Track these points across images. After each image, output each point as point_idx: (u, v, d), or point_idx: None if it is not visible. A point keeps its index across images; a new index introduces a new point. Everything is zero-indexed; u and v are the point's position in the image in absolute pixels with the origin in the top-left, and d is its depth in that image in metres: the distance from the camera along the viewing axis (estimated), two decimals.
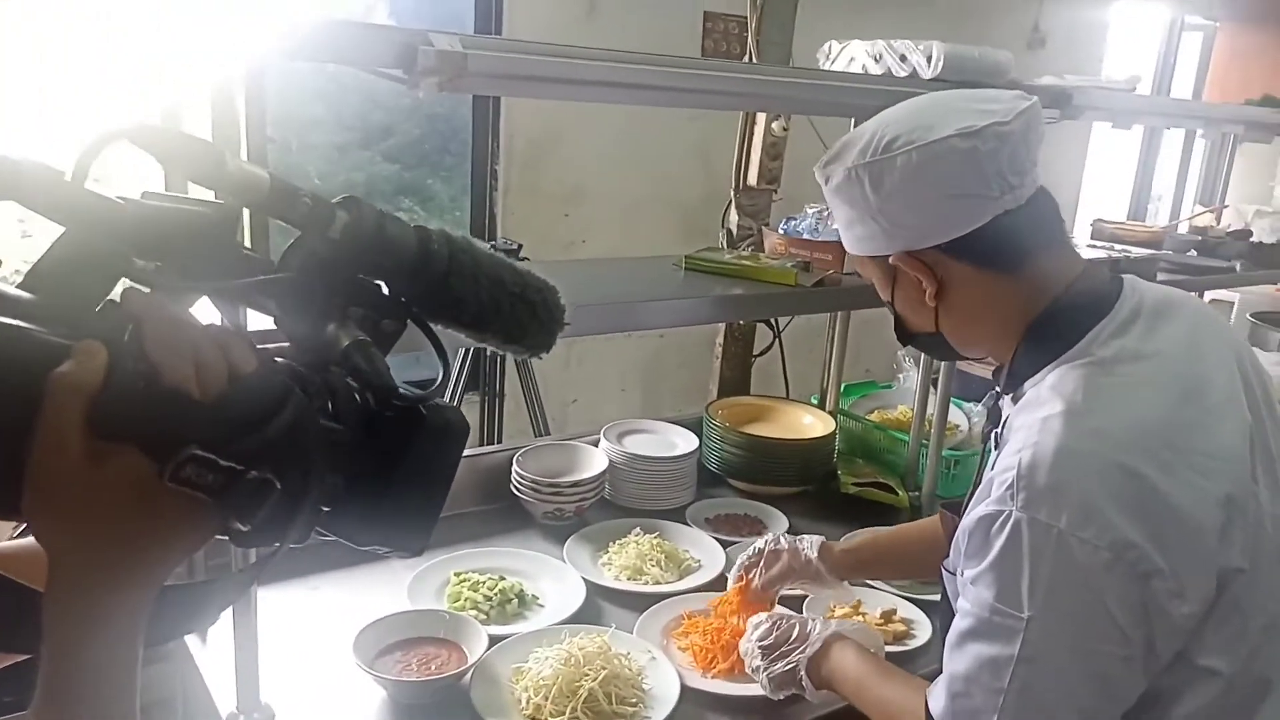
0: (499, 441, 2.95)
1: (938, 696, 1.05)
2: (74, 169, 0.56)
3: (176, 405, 0.53)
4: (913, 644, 1.60)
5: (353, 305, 0.63)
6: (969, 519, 1.01)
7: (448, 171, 3.45)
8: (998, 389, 1.18)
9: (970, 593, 1.01)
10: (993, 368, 1.22)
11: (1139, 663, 0.96)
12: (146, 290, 0.57)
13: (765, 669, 1.35)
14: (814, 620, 1.39)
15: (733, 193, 2.25)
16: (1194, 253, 2.95)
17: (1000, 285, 1.10)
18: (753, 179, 2.20)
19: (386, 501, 0.62)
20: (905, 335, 1.25)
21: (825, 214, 1.95)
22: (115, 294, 0.58)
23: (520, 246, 2.69)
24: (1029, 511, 0.95)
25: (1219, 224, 3.12)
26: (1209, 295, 3.30)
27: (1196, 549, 0.95)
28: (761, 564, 1.56)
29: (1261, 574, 0.99)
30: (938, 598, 1.34)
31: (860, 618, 1.63)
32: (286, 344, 0.63)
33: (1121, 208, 4.38)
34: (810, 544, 1.55)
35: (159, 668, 2.55)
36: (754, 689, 1.44)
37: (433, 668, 1.39)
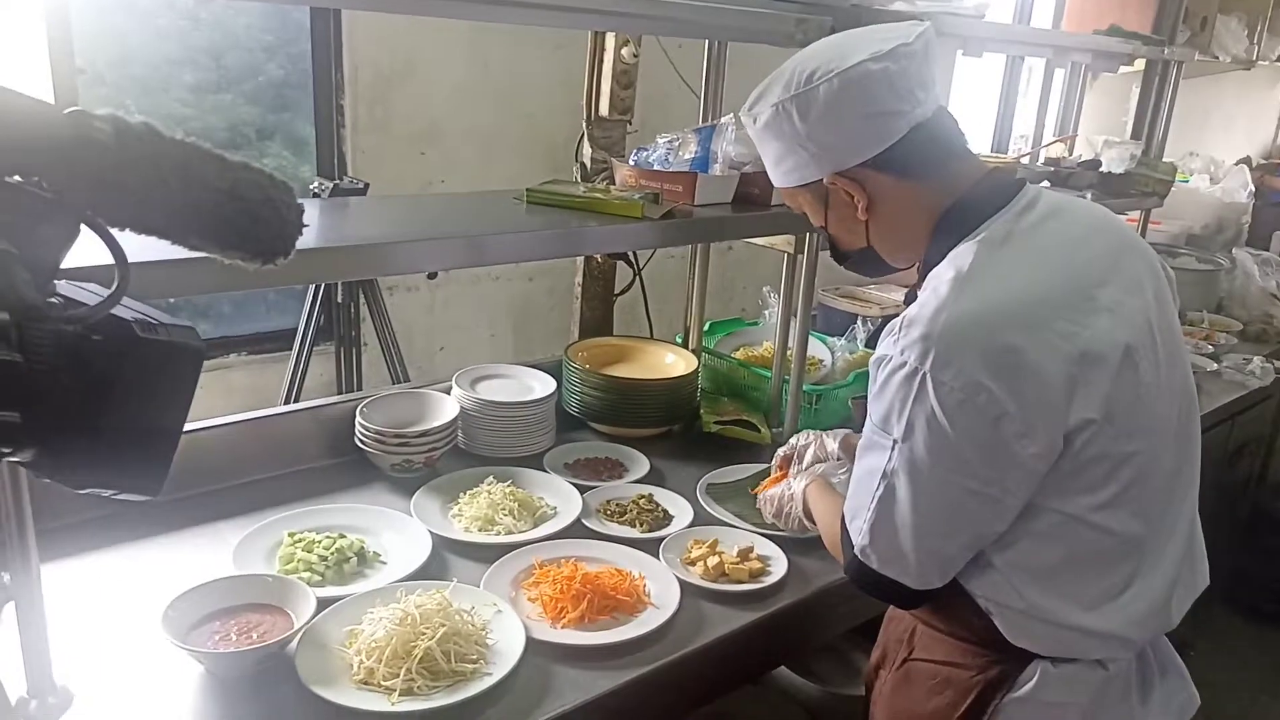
0: (359, 383, 2.80)
1: (847, 496, 1.25)
2: None
3: None
4: (768, 580, 1.59)
5: None
6: (871, 358, 1.17)
7: (309, 111, 3.24)
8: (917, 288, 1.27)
9: (868, 417, 1.17)
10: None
11: (990, 499, 1.10)
12: None
13: (782, 527, 1.64)
14: (795, 480, 1.60)
15: (584, 124, 2.15)
16: (1047, 183, 3.01)
17: (918, 191, 1.22)
18: (604, 109, 2.11)
19: (101, 437, 0.56)
20: (840, 255, 1.38)
21: (676, 144, 1.87)
22: None
23: (366, 185, 2.53)
24: (904, 355, 1.09)
25: (1071, 154, 3.19)
26: None
27: (1044, 396, 1.06)
28: (795, 457, 1.72)
29: (1119, 428, 1.09)
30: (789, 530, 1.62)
31: (717, 556, 1.60)
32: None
33: (985, 141, 4.45)
34: (833, 438, 1.69)
35: None
36: (603, 637, 1.40)
37: (254, 636, 1.28)
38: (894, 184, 1.22)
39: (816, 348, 2.45)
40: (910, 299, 1.31)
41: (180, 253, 0.61)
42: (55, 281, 0.57)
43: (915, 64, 1.18)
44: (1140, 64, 3.37)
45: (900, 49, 1.17)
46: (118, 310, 0.57)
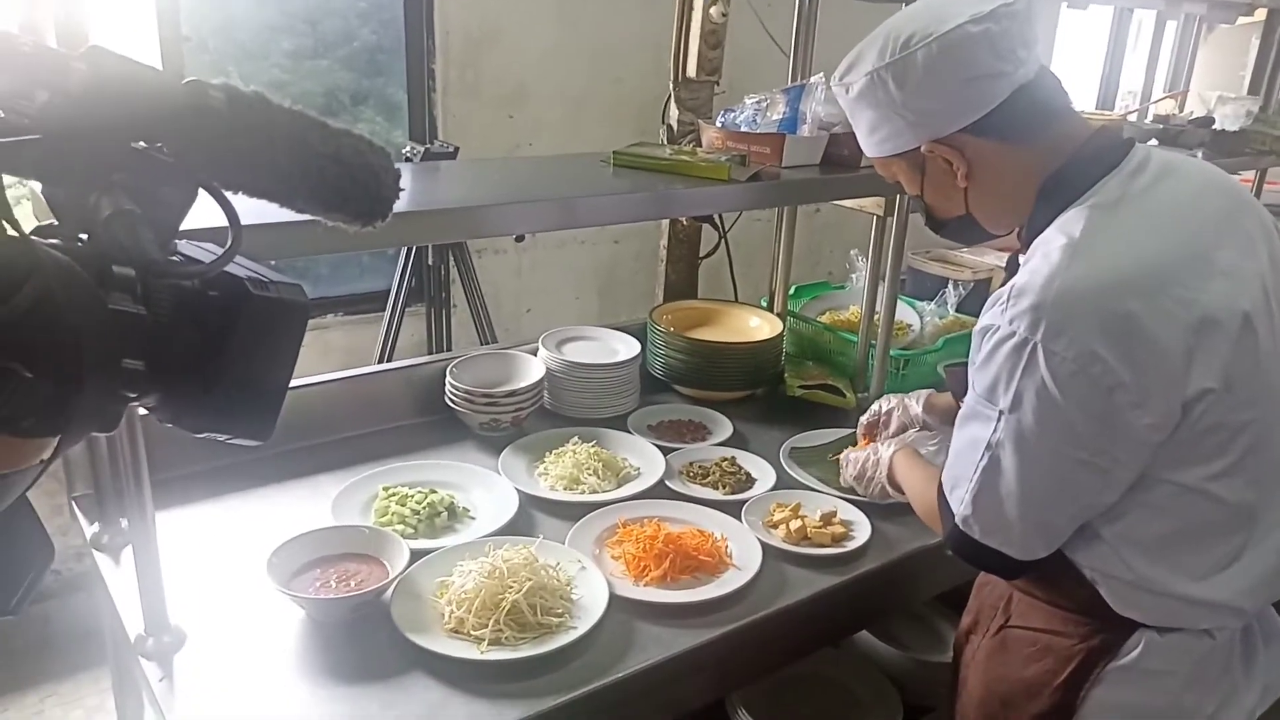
0: (449, 343, 2.87)
1: (945, 466, 1.24)
2: None
3: None
4: (851, 545, 1.58)
5: (119, 171, 0.57)
6: (975, 328, 1.15)
7: (400, 76, 3.30)
8: (1020, 251, 1.25)
9: (970, 387, 1.16)
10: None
11: (1099, 470, 1.07)
12: None
13: (863, 492, 1.64)
14: (886, 445, 1.59)
15: (671, 85, 2.14)
16: (1155, 141, 2.88)
17: (1022, 155, 1.19)
18: (692, 70, 2.09)
19: (218, 386, 0.59)
20: (936, 224, 1.35)
21: (764, 105, 1.85)
22: None
23: (456, 149, 2.57)
24: (1013, 325, 1.06)
25: (1181, 111, 3.04)
26: None
27: (1161, 366, 1.03)
28: (880, 423, 1.75)
29: (1237, 397, 1.06)
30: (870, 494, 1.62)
31: (800, 520, 1.61)
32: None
33: (1090, 98, 4.27)
34: (917, 400, 1.71)
35: (78, 597, 2.53)
36: (685, 595, 1.42)
37: (352, 584, 1.34)
38: (996, 149, 1.19)
39: (905, 312, 2.40)
40: (1013, 266, 1.29)
41: (283, 216, 0.64)
42: (175, 241, 0.61)
43: (1017, 24, 1.14)
44: (1261, 14, 3.18)
45: (1001, 9, 1.13)
46: (232, 268, 0.60)
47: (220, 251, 0.60)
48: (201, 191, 0.60)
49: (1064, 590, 1.20)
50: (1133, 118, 3.07)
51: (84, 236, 0.57)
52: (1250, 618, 1.20)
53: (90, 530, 1.46)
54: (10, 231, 0.52)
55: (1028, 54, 1.16)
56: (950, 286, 2.50)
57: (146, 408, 0.59)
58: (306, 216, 0.63)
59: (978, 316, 1.15)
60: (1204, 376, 1.04)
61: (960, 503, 1.17)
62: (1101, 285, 1.04)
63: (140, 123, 0.56)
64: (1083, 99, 4.42)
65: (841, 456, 1.72)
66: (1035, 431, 1.07)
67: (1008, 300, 1.08)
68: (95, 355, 0.53)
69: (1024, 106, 1.16)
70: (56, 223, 0.57)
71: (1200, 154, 2.80)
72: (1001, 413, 1.09)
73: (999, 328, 1.08)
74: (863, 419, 1.79)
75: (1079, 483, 1.09)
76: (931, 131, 1.20)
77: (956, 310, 2.47)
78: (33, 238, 0.53)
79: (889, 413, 1.74)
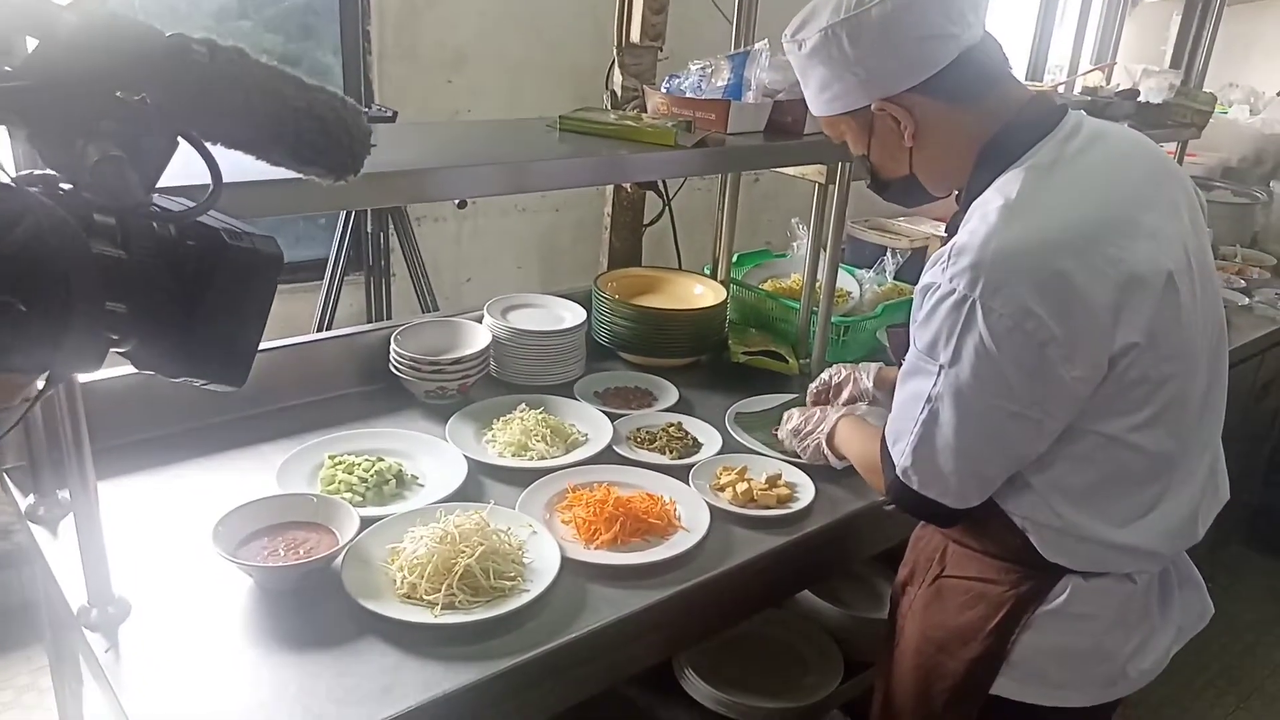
0: (388, 312, 2.83)
1: (888, 420, 1.27)
2: None
3: None
4: (796, 506, 1.62)
5: (104, 119, 0.58)
6: (917, 286, 1.18)
7: (331, 40, 3.21)
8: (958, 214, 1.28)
9: (912, 344, 1.19)
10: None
11: (1031, 421, 1.12)
12: None
13: (798, 447, 1.68)
14: (834, 409, 1.62)
15: (615, 51, 2.13)
16: (1083, 113, 2.96)
17: (965, 117, 1.22)
18: (635, 35, 2.08)
19: (194, 332, 0.62)
20: (880, 185, 1.38)
21: (709, 71, 1.86)
22: None
23: (395, 114, 2.52)
24: (953, 283, 1.10)
25: (1109, 84, 3.13)
26: None
27: (1090, 322, 1.08)
28: (830, 394, 1.79)
29: (1159, 352, 1.12)
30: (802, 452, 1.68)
31: (746, 483, 1.64)
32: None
33: (1020, 70, 4.35)
34: (867, 374, 1.74)
35: (4, 575, 2.45)
36: (636, 557, 1.44)
37: (301, 552, 1.33)
38: (942, 110, 1.22)
39: (844, 280, 2.45)
40: (952, 228, 1.32)
41: (244, 176, 0.64)
42: (153, 194, 0.60)
43: None
44: None
45: None
46: (208, 220, 0.62)
47: (232, 231, 0.61)
48: (181, 142, 0.60)
49: (996, 539, 1.26)
50: (1061, 89, 3.15)
51: (65, 186, 0.57)
52: (1168, 562, 1.27)
53: (25, 502, 1.42)
54: (2, 178, 0.53)
55: (975, 18, 1.20)
56: (888, 255, 2.55)
57: (125, 353, 0.60)
58: (279, 173, 0.63)
59: (914, 284, 1.18)
60: (1130, 332, 1.09)
61: (901, 454, 1.21)
62: (1036, 244, 1.08)
63: (126, 72, 0.57)
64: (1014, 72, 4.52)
65: (785, 414, 1.75)
66: (973, 385, 1.12)
67: (948, 259, 1.12)
68: (82, 295, 0.55)
69: (970, 69, 1.20)
70: (38, 171, 0.58)
71: (1126, 125, 2.89)
72: (942, 367, 1.14)
73: (940, 285, 1.12)
74: (811, 387, 1.82)
75: (1012, 434, 1.14)
76: (882, 90, 1.22)
77: (894, 278, 2.52)
78: (27, 191, 0.54)
79: (839, 385, 1.78)
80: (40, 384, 0.59)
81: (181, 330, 0.61)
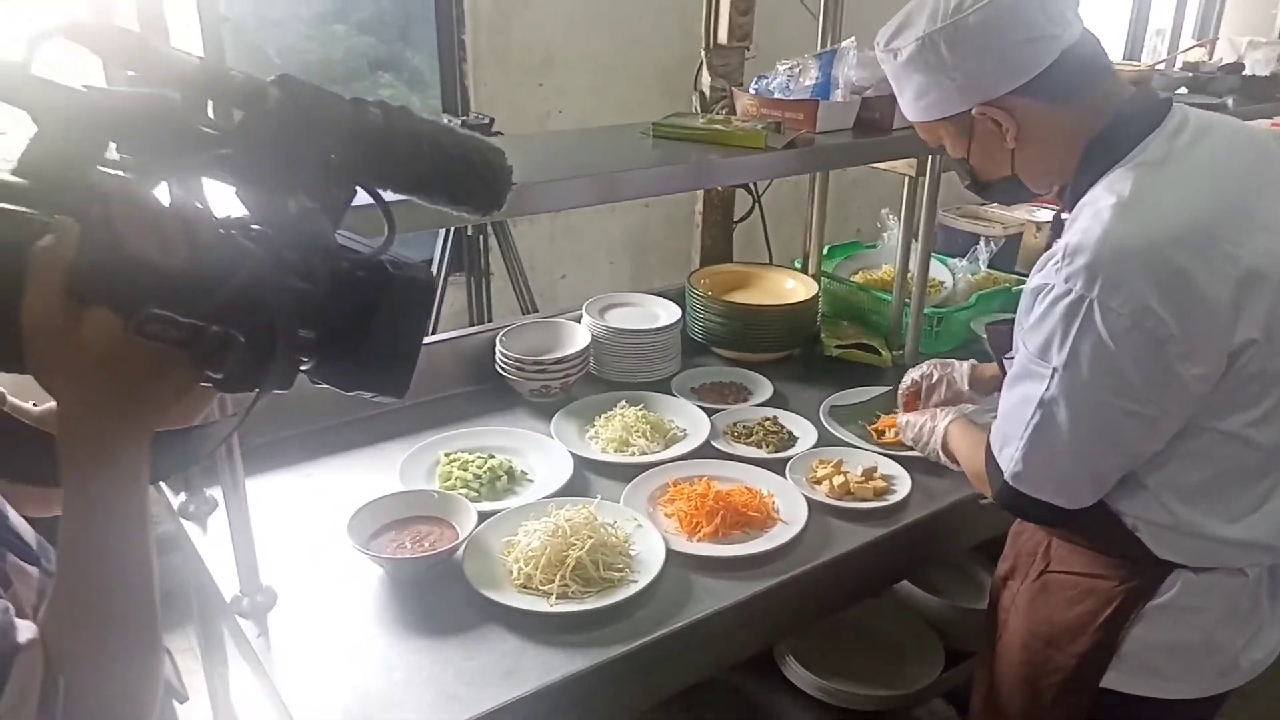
0: (489, 320, 2.95)
1: (992, 427, 1.29)
2: (22, 60, 0.60)
3: (139, 271, 0.62)
4: (892, 499, 1.65)
5: (300, 175, 0.67)
6: (1026, 288, 1.19)
7: (424, 44, 3.34)
8: (1061, 210, 1.31)
9: (1021, 347, 1.20)
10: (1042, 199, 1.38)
11: (1148, 420, 1.13)
12: (116, 173, 0.64)
13: (921, 453, 1.63)
14: (944, 414, 1.58)
15: (703, 52, 2.17)
16: (1184, 89, 2.88)
17: (1068, 115, 1.22)
18: (723, 36, 2.12)
19: (365, 351, 0.71)
20: (980, 186, 1.38)
21: (796, 70, 1.89)
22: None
23: (492, 121, 2.62)
24: (1069, 283, 1.10)
25: (1211, 58, 3.03)
26: None
27: (1210, 319, 1.08)
28: (925, 391, 1.74)
29: (1276, 346, 1.11)
30: (914, 453, 1.65)
31: (842, 476, 1.68)
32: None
33: (1117, 48, 4.23)
34: (961, 376, 1.71)
35: (165, 559, 2.64)
36: (736, 549, 1.49)
37: (426, 545, 1.43)
38: (1044, 109, 1.22)
39: (937, 269, 2.45)
40: (1057, 224, 1.33)
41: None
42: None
43: None
44: None
45: None
46: (364, 249, 0.71)
47: (363, 239, 0.71)
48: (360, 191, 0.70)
49: (1105, 536, 1.26)
50: (1161, 67, 3.07)
51: (255, 226, 0.67)
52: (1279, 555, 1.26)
53: (177, 500, 1.56)
54: (220, 231, 0.64)
55: (1074, 15, 1.20)
56: (981, 243, 2.54)
57: (306, 371, 0.71)
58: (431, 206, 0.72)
59: (1009, 272, 1.20)
60: (1249, 328, 1.09)
61: (1011, 460, 1.22)
62: (1153, 242, 1.08)
63: (318, 136, 0.66)
64: (1111, 44, 4.40)
65: (900, 420, 1.72)
66: (1090, 385, 1.12)
67: (1062, 259, 1.12)
68: (283, 325, 0.65)
69: (1071, 68, 1.20)
70: (235, 215, 0.68)
71: (1231, 100, 2.80)
72: (1055, 370, 1.14)
73: (1054, 286, 1.12)
74: (904, 385, 1.78)
75: (1129, 432, 1.15)
76: (982, 94, 1.23)
77: (988, 266, 2.51)
78: (254, 229, 0.66)
79: (938, 381, 1.74)
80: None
81: (355, 350, 0.70)
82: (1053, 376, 1.15)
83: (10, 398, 0.84)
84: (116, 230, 0.61)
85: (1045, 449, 1.19)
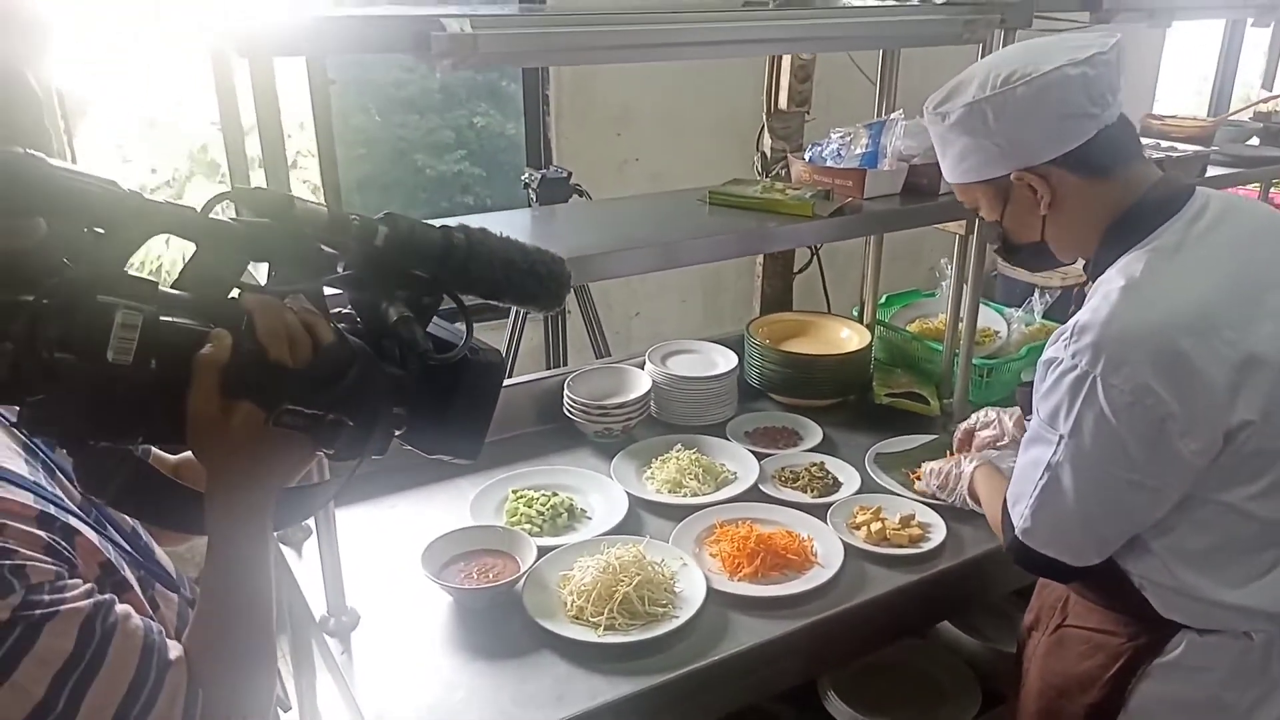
0: (564, 359, 3.12)
1: (1010, 483, 1.39)
2: (201, 209, 0.79)
3: (276, 374, 0.80)
4: (926, 546, 1.75)
5: (399, 289, 0.86)
6: (1040, 359, 1.29)
7: (505, 99, 3.58)
8: (1086, 281, 1.39)
9: (1035, 413, 1.30)
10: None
11: (1149, 490, 1.21)
12: (257, 288, 0.83)
13: (946, 499, 1.80)
14: (969, 460, 1.72)
15: (765, 116, 2.31)
16: (1256, 140, 2.88)
17: (1099, 191, 1.32)
18: (783, 102, 2.26)
19: (447, 423, 0.89)
20: (1010, 249, 1.47)
21: (848, 139, 2.01)
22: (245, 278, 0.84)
23: (570, 174, 2.80)
24: (1075, 359, 1.19)
25: None
26: None
27: (1208, 400, 1.16)
28: (974, 436, 1.87)
29: (1275, 427, 1.19)
30: (950, 501, 1.78)
31: (880, 522, 1.78)
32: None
33: (1204, 99, 4.20)
34: (1010, 417, 1.82)
35: None
36: (773, 589, 1.62)
37: (490, 576, 1.60)
38: (1078, 182, 1.31)
39: (992, 319, 2.52)
40: (1079, 298, 1.42)
41: None
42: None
43: (1109, 71, 1.28)
44: None
45: (1097, 56, 1.26)
46: (450, 338, 0.89)
47: (451, 326, 0.89)
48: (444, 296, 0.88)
49: (1115, 594, 1.35)
50: (1237, 117, 3.07)
51: (346, 311, 0.87)
52: None
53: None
54: (333, 335, 0.83)
55: (1114, 99, 1.29)
56: (1036, 294, 2.60)
57: (399, 438, 0.89)
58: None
59: (1064, 324, 1.30)
60: (1246, 410, 1.17)
61: (1021, 517, 1.32)
62: (1156, 326, 1.17)
63: (414, 260, 0.84)
64: (1199, 109, 4.39)
65: (925, 469, 1.87)
66: (1092, 454, 1.22)
67: (1071, 336, 1.22)
68: (383, 408, 0.83)
69: (1106, 146, 1.30)
70: (344, 311, 0.88)
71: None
72: (1062, 437, 1.24)
73: (1062, 360, 1.22)
74: (961, 427, 1.91)
75: (1130, 501, 1.23)
76: (1022, 160, 1.32)
77: (1043, 317, 2.57)
78: (347, 334, 0.83)
79: (985, 426, 1.85)
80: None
81: (438, 422, 0.87)
82: (1059, 443, 1.24)
83: (154, 450, 1.04)
84: (259, 339, 0.79)
85: (1052, 509, 1.28)
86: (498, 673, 1.45)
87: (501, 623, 1.55)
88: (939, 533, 1.78)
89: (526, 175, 2.79)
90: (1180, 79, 4.75)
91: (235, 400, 0.79)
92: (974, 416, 1.90)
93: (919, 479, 1.93)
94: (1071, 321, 1.24)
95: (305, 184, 4.34)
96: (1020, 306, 2.60)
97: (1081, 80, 1.26)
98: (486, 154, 3.74)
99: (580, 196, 2.80)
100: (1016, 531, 1.33)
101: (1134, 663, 1.34)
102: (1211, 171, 2.54)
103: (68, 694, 0.75)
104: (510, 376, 2.60)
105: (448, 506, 1.86)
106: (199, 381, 0.78)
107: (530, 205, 2.77)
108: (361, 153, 3.65)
